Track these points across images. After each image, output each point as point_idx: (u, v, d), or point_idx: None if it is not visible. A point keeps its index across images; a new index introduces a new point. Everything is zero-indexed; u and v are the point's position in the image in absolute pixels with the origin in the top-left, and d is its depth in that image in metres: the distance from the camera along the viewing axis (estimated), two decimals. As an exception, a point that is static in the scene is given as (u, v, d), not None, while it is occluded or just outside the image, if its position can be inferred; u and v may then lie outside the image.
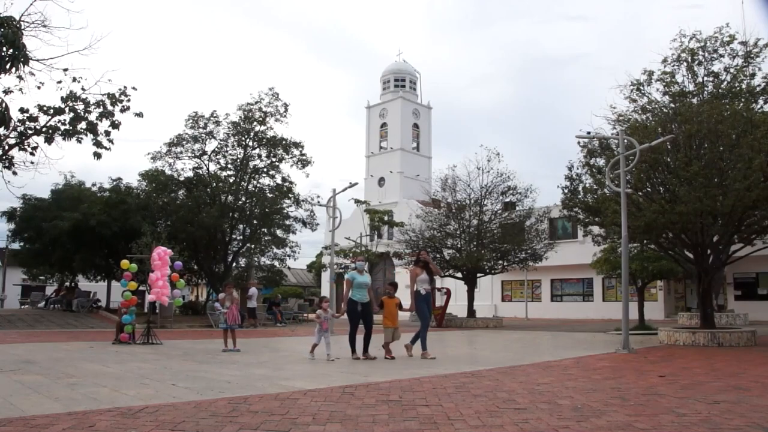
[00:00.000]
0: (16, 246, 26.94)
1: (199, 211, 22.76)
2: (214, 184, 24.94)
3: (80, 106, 16.25)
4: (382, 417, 4.35)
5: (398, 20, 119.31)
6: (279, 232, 26.25)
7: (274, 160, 25.41)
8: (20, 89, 14.68)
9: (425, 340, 9.21)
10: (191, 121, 24.81)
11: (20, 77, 13.81)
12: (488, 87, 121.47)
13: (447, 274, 25.14)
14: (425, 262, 9.57)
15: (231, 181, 25.27)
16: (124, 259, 12.65)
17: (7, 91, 14.67)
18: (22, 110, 15.80)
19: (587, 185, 15.27)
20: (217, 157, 25.23)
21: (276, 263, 27.45)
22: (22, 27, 12.74)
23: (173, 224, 23.37)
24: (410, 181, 41.70)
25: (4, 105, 13.66)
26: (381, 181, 43.12)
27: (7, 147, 15.79)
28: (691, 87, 14.31)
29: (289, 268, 31.27)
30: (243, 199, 25.15)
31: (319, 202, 25.74)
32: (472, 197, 24.27)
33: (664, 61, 14.35)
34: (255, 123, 24.60)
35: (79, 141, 16.44)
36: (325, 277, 40.09)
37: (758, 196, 11.74)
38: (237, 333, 11.04)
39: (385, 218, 28.74)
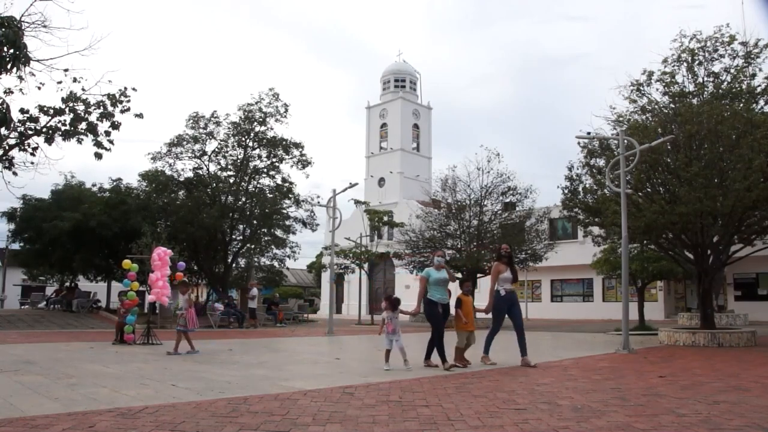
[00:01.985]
0: (16, 246, 26.95)
1: (199, 211, 22.76)
2: (215, 185, 24.96)
3: (80, 107, 16.27)
4: (382, 417, 4.34)
5: (398, 20, 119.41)
6: (279, 233, 26.28)
7: (274, 160, 25.43)
8: (20, 89, 14.71)
9: (489, 344, 8.46)
10: (191, 121, 24.85)
11: (21, 77, 13.83)
12: (488, 87, 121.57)
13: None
14: (509, 257, 8.41)
15: (231, 181, 25.29)
16: (124, 259, 12.65)
17: (7, 92, 14.69)
18: (22, 111, 15.82)
19: (587, 186, 15.28)
20: (218, 157, 25.27)
21: (276, 263, 27.47)
22: (23, 27, 12.75)
23: (173, 225, 23.37)
24: (410, 182, 41.69)
25: (5, 105, 13.67)
26: (381, 182, 43.11)
27: (7, 147, 15.80)
28: (692, 87, 14.31)
29: (288, 268, 31.30)
30: (243, 199, 25.17)
31: (319, 202, 25.78)
32: (472, 198, 24.28)
33: (665, 61, 14.34)
34: (255, 123, 24.63)
35: (79, 141, 16.47)
36: (325, 277, 40.10)
37: (758, 196, 11.74)
38: (232, 333, 11.02)
39: (385, 219, 28.73)
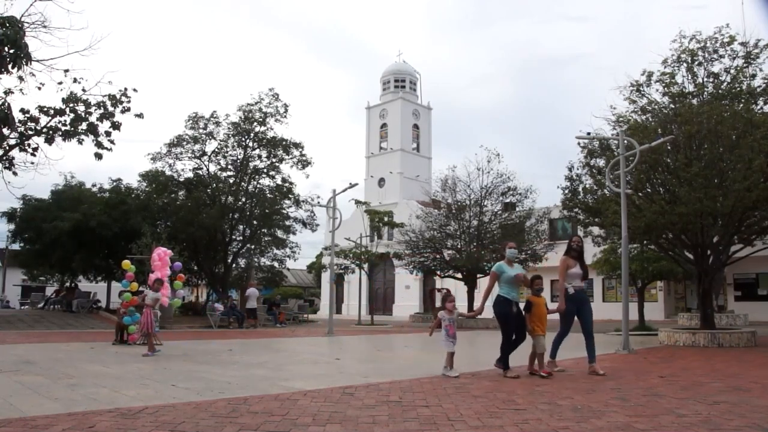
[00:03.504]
0: (16, 246, 26.96)
1: (199, 211, 22.77)
2: (214, 185, 24.97)
3: (81, 107, 16.28)
4: (382, 418, 4.35)
5: (398, 20, 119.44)
6: (279, 233, 26.30)
7: (274, 160, 25.44)
8: (21, 90, 14.72)
9: (557, 348, 7.65)
10: (191, 121, 24.86)
11: (21, 78, 13.85)
12: (488, 87, 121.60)
13: (447, 274, 25.16)
14: (579, 251, 7.53)
15: (231, 181, 25.30)
16: (124, 259, 12.65)
17: (7, 92, 14.70)
18: (23, 111, 15.83)
19: (587, 186, 15.28)
20: (217, 157, 25.29)
21: (276, 264, 27.48)
22: (23, 27, 12.76)
23: (173, 225, 23.39)
24: (410, 182, 41.69)
25: (6, 105, 13.68)
26: (381, 182, 43.11)
27: (7, 147, 15.81)
28: (691, 88, 14.31)
29: (288, 269, 31.30)
30: (243, 199, 25.18)
31: (319, 202, 25.80)
32: (472, 198, 24.29)
33: (664, 61, 14.35)
34: (255, 123, 24.65)
35: (80, 142, 16.49)
36: (325, 277, 40.09)
37: (758, 196, 11.74)
38: (232, 333, 10.98)
39: (385, 219, 28.73)
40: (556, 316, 7.33)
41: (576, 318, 7.43)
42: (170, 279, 12.51)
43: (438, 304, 26.41)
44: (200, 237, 22.81)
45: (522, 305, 7.18)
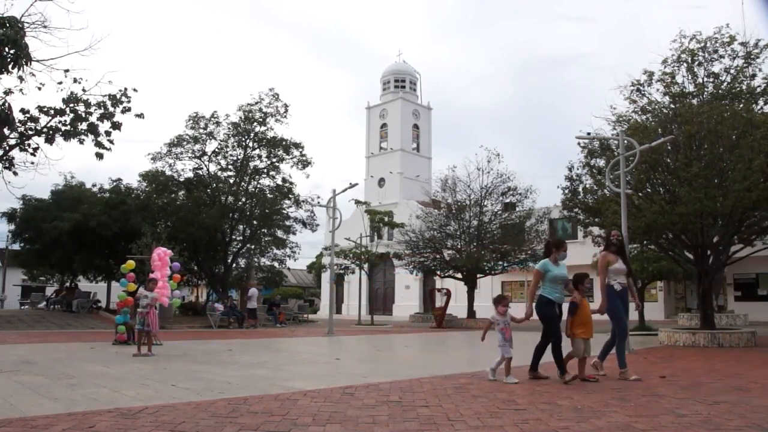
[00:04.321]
0: (16, 247, 26.95)
1: (199, 211, 22.77)
2: (215, 185, 24.97)
3: (81, 107, 16.27)
4: (382, 418, 4.35)
5: (398, 20, 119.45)
6: (279, 233, 26.30)
7: (274, 160, 25.46)
8: (21, 90, 14.71)
9: (623, 354, 6.96)
10: (191, 121, 24.87)
11: (21, 78, 13.85)
12: (488, 87, 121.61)
13: (447, 274, 25.17)
14: (620, 245, 7.12)
15: (231, 181, 25.30)
16: (125, 260, 12.63)
17: (8, 92, 14.70)
18: (23, 111, 15.83)
19: (587, 186, 15.29)
20: (218, 157, 25.30)
21: (276, 264, 27.48)
22: (24, 27, 12.76)
23: (173, 225, 23.39)
24: (410, 182, 41.69)
25: (7, 105, 13.69)
26: (381, 182, 43.11)
27: (7, 147, 15.81)
28: (691, 88, 14.32)
29: (289, 268, 31.29)
30: (243, 199, 25.19)
31: (319, 202, 25.80)
32: (472, 198, 24.30)
33: (664, 61, 14.35)
34: (255, 123, 24.66)
35: (80, 142, 16.48)
36: (325, 277, 40.08)
37: (758, 196, 11.74)
38: (232, 333, 10.91)
39: (386, 219, 28.74)
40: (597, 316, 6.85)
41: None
42: (169, 279, 12.50)
43: (438, 304, 26.40)
44: (200, 237, 22.81)
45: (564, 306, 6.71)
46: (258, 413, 4.46)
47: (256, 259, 27.21)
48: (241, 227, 25.53)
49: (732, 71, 13.95)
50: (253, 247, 26.32)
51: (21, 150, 16.07)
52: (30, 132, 16.13)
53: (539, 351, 6.70)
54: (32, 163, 15.92)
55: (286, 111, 24.92)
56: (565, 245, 6.84)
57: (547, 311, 6.54)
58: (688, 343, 12.48)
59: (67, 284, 26.47)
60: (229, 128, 24.93)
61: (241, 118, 24.73)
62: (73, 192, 23.84)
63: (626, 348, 6.81)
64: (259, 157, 25.52)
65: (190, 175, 25.25)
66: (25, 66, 12.92)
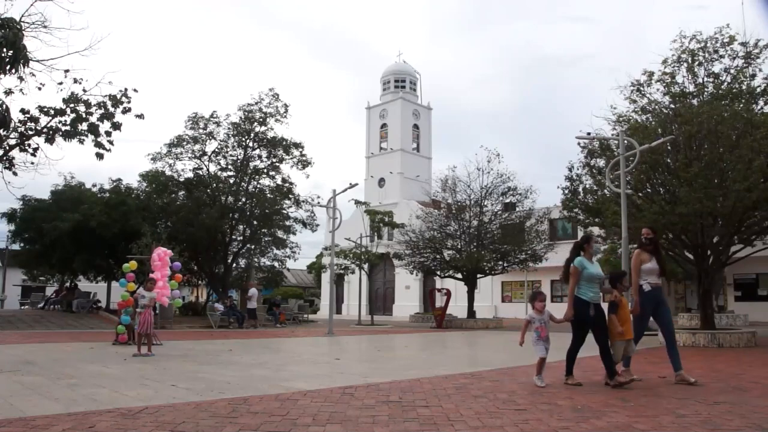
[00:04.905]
0: (16, 247, 26.92)
1: (199, 211, 22.76)
2: (215, 185, 24.97)
3: (81, 108, 16.27)
4: (382, 418, 4.35)
5: (398, 21, 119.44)
6: (279, 233, 26.29)
7: (274, 160, 25.45)
8: (21, 90, 14.70)
9: (630, 357, 6.68)
10: (191, 121, 24.87)
11: (21, 78, 13.84)
12: (489, 88, 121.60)
13: (447, 274, 25.16)
14: (654, 243, 6.81)
15: (231, 181, 25.30)
16: (126, 260, 12.63)
17: (8, 92, 14.69)
18: (23, 111, 15.82)
19: (587, 186, 15.30)
20: (218, 157, 25.29)
21: (276, 264, 27.47)
22: (23, 28, 12.75)
23: (173, 225, 23.38)
24: (410, 182, 41.69)
25: (4, 107, 13.68)
26: (381, 182, 43.11)
27: (7, 147, 15.81)
28: (692, 88, 14.32)
29: (288, 269, 31.29)
30: (243, 199, 25.18)
31: (319, 202, 25.79)
32: (472, 198, 24.29)
33: (664, 62, 14.36)
34: (255, 124, 24.65)
35: (80, 142, 16.46)
36: (325, 278, 40.09)
37: (758, 197, 11.75)
38: (232, 333, 10.88)
39: (386, 219, 28.74)
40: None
41: (653, 319, 6.73)
42: (169, 279, 12.50)
43: (438, 304, 26.31)
44: (200, 237, 22.80)
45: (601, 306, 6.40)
46: (258, 413, 4.46)
47: (256, 259, 27.21)
48: (241, 227, 25.52)
49: (732, 71, 13.95)
50: (253, 247, 26.31)
51: (21, 150, 16.06)
52: (30, 132, 16.11)
53: (605, 356, 6.28)
54: (32, 163, 15.91)
55: (286, 111, 24.92)
56: (594, 239, 6.62)
57: (581, 312, 6.24)
58: (688, 343, 12.48)
59: (67, 284, 26.47)
60: (229, 128, 24.94)
61: (241, 118, 24.73)
62: (73, 192, 23.83)
63: (672, 353, 6.69)
64: (259, 157, 25.54)
65: (190, 175, 25.26)
66: (23, 67, 12.91)
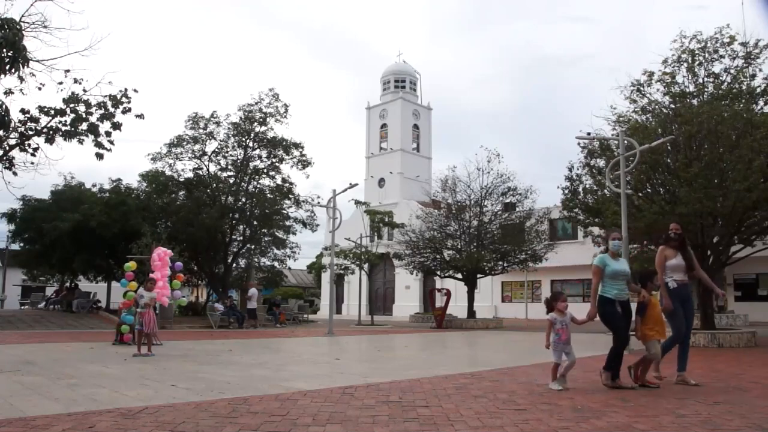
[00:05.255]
0: (16, 247, 26.92)
1: (199, 211, 22.76)
2: (215, 185, 24.97)
3: (81, 108, 16.26)
4: (382, 418, 4.35)
5: (398, 21, 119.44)
6: (279, 233, 26.28)
7: (274, 160, 25.44)
8: (21, 90, 14.69)
9: (664, 354, 6.36)
10: (191, 121, 24.86)
11: (21, 78, 13.83)
12: (489, 88, 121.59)
13: (447, 274, 25.17)
14: (681, 239, 6.58)
15: (231, 181, 25.30)
16: (127, 260, 12.62)
17: (8, 92, 14.68)
18: (23, 111, 15.81)
19: (587, 186, 15.30)
20: (218, 157, 25.29)
21: (276, 264, 27.47)
22: (23, 28, 12.75)
23: (173, 225, 23.38)
24: (410, 182, 41.69)
25: (4, 107, 13.67)
26: (381, 182, 43.11)
27: (7, 147, 15.80)
28: (692, 88, 14.33)
29: (289, 268, 31.30)
30: (243, 199, 25.18)
31: (319, 202, 25.78)
32: (472, 198, 24.28)
33: (665, 61, 14.36)
34: (255, 124, 24.64)
35: (80, 142, 16.45)
36: (326, 278, 40.08)
37: (758, 197, 11.75)
38: (232, 333, 10.87)
39: (386, 219, 28.73)
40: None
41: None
42: (170, 279, 12.50)
43: (438, 304, 26.38)
44: (200, 237, 22.80)
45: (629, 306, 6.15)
46: (258, 413, 4.46)
47: (256, 260, 27.21)
48: (241, 227, 25.52)
49: (732, 71, 13.96)
50: (253, 247, 26.31)
51: (21, 150, 16.04)
52: (30, 132, 16.11)
53: (616, 356, 6.02)
54: (32, 163, 15.89)
55: (286, 111, 24.91)
56: (615, 233, 6.35)
57: (608, 311, 5.92)
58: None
59: (67, 284, 26.47)
60: (229, 128, 24.93)
61: (241, 118, 24.72)
62: (73, 192, 23.83)
63: (682, 352, 6.40)
64: (259, 157, 25.52)
65: (190, 175, 25.25)
66: (22, 68, 12.90)
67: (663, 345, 6.27)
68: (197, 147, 24.93)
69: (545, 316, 6.09)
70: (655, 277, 6.36)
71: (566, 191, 15.57)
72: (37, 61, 13.80)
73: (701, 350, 11.44)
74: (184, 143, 24.71)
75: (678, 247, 6.48)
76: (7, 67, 12.47)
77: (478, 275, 24.32)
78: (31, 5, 13.45)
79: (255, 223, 25.03)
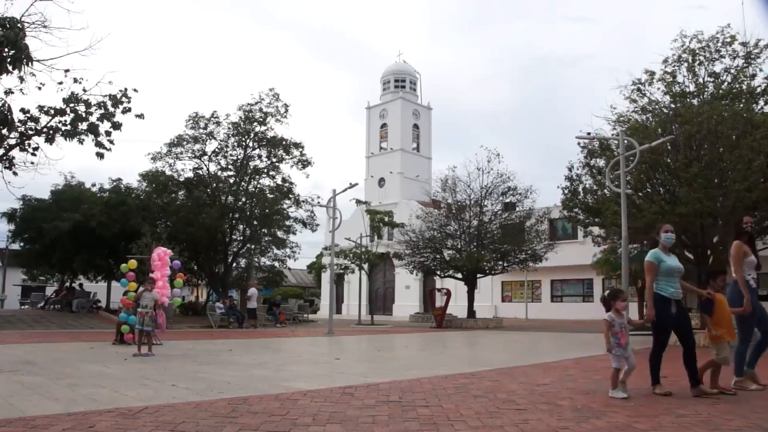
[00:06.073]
0: (16, 246, 26.92)
1: (199, 211, 22.77)
2: (215, 185, 24.98)
3: (81, 107, 16.25)
4: (382, 418, 4.34)
5: (398, 21, 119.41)
6: (279, 233, 26.29)
7: (274, 160, 25.46)
8: (21, 90, 14.69)
9: (744, 359, 5.87)
10: (191, 121, 24.87)
11: (21, 78, 13.82)
12: (489, 88, 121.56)
13: (447, 274, 25.17)
14: (751, 235, 6.13)
15: (231, 181, 25.30)
16: (126, 260, 12.61)
17: (8, 92, 14.68)
18: (23, 111, 15.81)
19: (587, 186, 15.31)
20: (218, 157, 25.29)
21: (276, 264, 27.48)
22: (24, 28, 12.74)
23: (173, 225, 23.38)
24: (410, 182, 41.70)
25: (6, 106, 13.67)
26: (381, 182, 43.12)
27: (7, 147, 15.80)
28: (692, 87, 14.34)
29: (289, 268, 31.28)
30: (243, 199, 25.19)
31: (319, 202, 25.79)
32: (472, 198, 24.29)
33: (665, 61, 14.37)
34: (255, 123, 24.65)
35: (80, 142, 16.44)
36: (326, 277, 40.08)
37: (758, 197, 11.77)
38: (232, 333, 10.86)
39: (385, 219, 28.74)
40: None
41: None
42: (170, 278, 12.50)
43: (438, 304, 26.18)
44: (200, 237, 22.81)
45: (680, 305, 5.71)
46: (258, 413, 4.46)
47: (256, 259, 27.22)
48: (241, 227, 25.53)
49: (732, 71, 13.97)
50: (253, 247, 26.32)
51: (21, 150, 16.04)
52: (30, 132, 16.10)
53: (690, 361, 5.58)
54: (32, 163, 15.89)
55: (287, 111, 24.92)
56: (666, 225, 5.83)
57: (662, 310, 5.50)
58: (688, 343, 12.48)
59: (67, 284, 26.48)
60: (229, 128, 24.94)
61: (241, 117, 24.73)
62: (73, 192, 23.83)
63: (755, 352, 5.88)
64: (259, 157, 25.54)
65: (190, 175, 25.26)
66: (25, 66, 12.89)
67: (737, 350, 5.79)
68: (197, 147, 24.96)
69: (603, 315, 5.65)
70: (720, 277, 5.80)
71: (566, 191, 15.58)
72: (38, 60, 13.80)
73: (701, 350, 11.35)
74: (184, 143, 24.73)
75: (749, 243, 5.93)
76: (9, 67, 12.46)
77: (478, 275, 24.32)
78: (31, 5, 13.46)
79: (255, 222, 25.04)
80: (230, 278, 26.02)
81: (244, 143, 25.07)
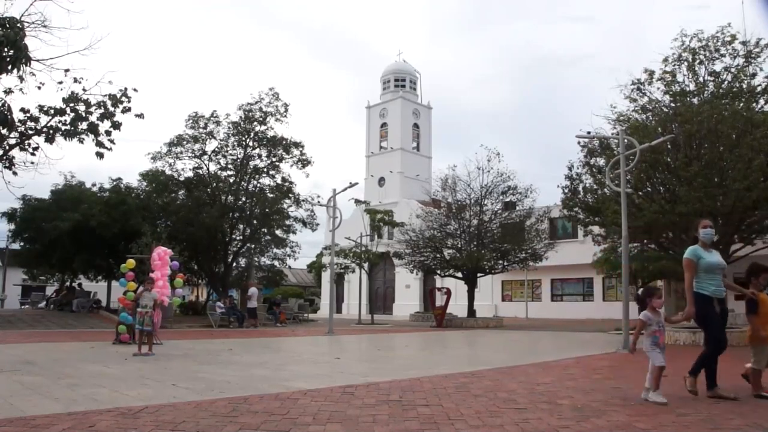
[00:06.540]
0: (16, 246, 26.92)
1: (200, 211, 22.77)
2: (215, 184, 24.98)
3: (81, 107, 16.25)
4: (383, 417, 4.34)
5: (398, 20, 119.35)
6: (279, 233, 26.30)
7: (274, 160, 25.45)
8: (21, 89, 14.68)
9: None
10: (191, 121, 24.86)
11: (21, 78, 13.81)
12: (489, 88, 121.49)
13: (447, 273, 25.18)
14: None
15: (231, 181, 25.30)
16: (127, 259, 12.61)
17: (8, 92, 14.67)
18: (23, 110, 15.81)
19: (587, 185, 15.31)
20: (218, 157, 25.28)
21: (276, 263, 27.48)
22: (23, 27, 12.74)
23: (173, 224, 23.38)
24: (410, 181, 41.70)
25: (6, 106, 13.67)
26: (381, 181, 43.11)
27: (7, 147, 15.79)
28: (692, 86, 14.33)
29: (289, 268, 31.30)
30: (243, 199, 25.19)
31: (319, 202, 25.79)
32: (472, 197, 24.29)
33: (665, 60, 14.36)
34: (255, 123, 24.64)
35: (80, 141, 16.44)
36: (326, 277, 40.08)
37: (758, 196, 11.76)
38: (233, 333, 10.85)
39: (386, 218, 28.74)
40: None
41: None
42: (170, 278, 12.50)
43: (438, 303, 26.16)
44: (200, 237, 22.80)
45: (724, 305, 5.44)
46: (258, 413, 4.46)
47: (256, 259, 27.22)
48: (241, 227, 25.53)
49: (732, 70, 13.97)
50: (253, 246, 26.32)
51: (21, 150, 16.04)
52: (30, 132, 16.10)
53: (708, 362, 5.36)
54: (32, 162, 15.88)
55: (286, 110, 24.91)
56: (705, 221, 5.59)
57: (706, 310, 5.24)
58: (689, 342, 12.47)
59: (67, 284, 26.48)
60: (229, 127, 24.93)
61: (241, 117, 24.73)
62: (73, 192, 23.82)
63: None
64: (259, 156, 25.53)
65: (190, 174, 25.26)
66: (24, 66, 12.89)
67: None
68: (197, 146, 24.95)
69: (638, 315, 5.41)
70: (762, 274, 5.52)
71: (566, 190, 15.58)
72: (38, 60, 13.79)
73: (701, 349, 11.43)
74: (184, 142, 24.72)
75: None
76: (9, 66, 12.46)
77: (478, 274, 24.33)
78: (31, 5, 13.45)
79: (255, 222, 25.03)
80: (230, 278, 26.01)
81: (244, 143, 25.07)
